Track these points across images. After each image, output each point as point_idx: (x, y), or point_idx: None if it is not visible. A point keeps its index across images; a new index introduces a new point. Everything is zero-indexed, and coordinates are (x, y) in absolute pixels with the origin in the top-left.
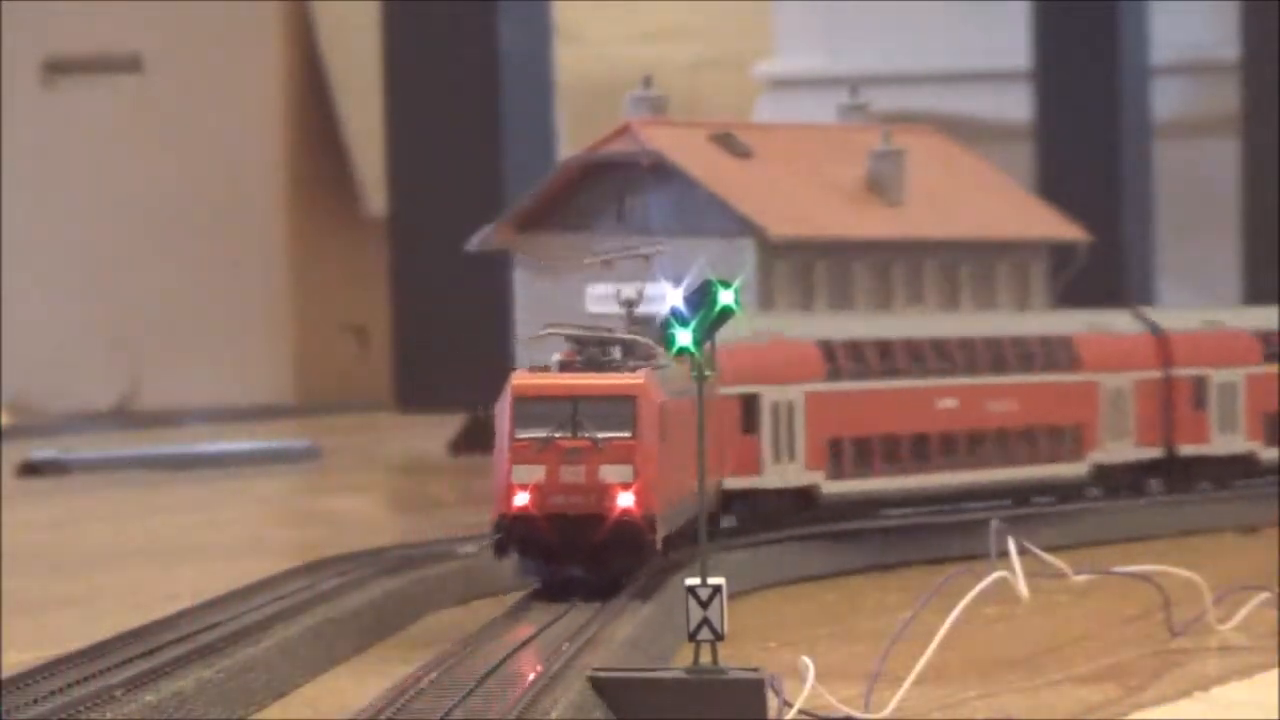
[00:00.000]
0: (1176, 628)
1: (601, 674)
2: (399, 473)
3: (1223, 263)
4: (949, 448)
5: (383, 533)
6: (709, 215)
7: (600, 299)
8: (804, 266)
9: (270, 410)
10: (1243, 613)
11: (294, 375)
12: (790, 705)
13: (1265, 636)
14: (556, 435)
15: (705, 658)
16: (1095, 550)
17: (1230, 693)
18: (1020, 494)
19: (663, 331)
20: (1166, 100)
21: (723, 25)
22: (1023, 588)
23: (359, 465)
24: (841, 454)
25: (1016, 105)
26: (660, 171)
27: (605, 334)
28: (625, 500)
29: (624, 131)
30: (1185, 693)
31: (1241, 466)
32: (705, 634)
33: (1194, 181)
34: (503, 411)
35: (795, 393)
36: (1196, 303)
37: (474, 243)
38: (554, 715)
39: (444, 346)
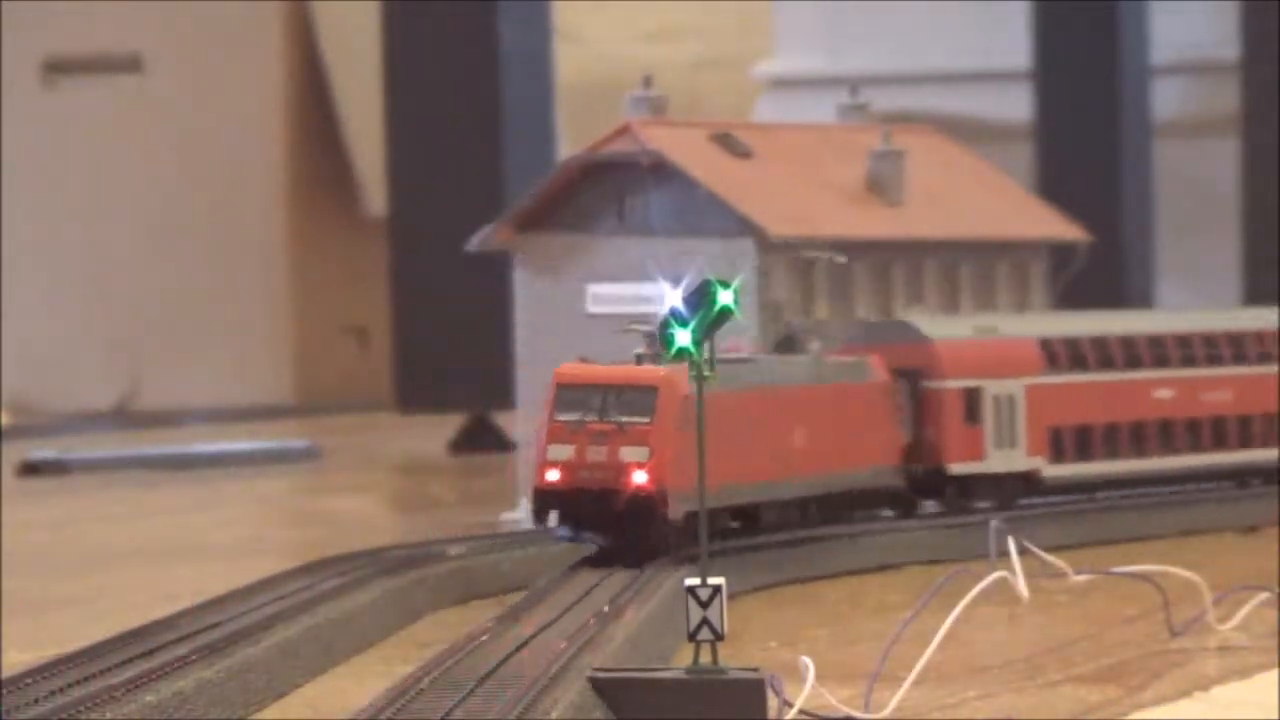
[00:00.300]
0: (1176, 628)
1: (601, 674)
2: (399, 473)
3: (1223, 263)
4: (1166, 435)
5: (383, 533)
6: (709, 215)
7: (601, 299)
8: (804, 266)
9: (270, 410)
10: (1243, 613)
11: (294, 375)
12: (790, 705)
13: (1265, 636)
14: (587, 419)
15: (705, 658)
16: (1095, 550)
17: (1230, 693)
18: (1228, 477)
19: (662, 332)
20: (1166, 100)
21: (723, 25)
22: (1023, 588)
23: (359, 465)
24: (1062, 441)
25: (1016, 105)
26: (660, 171)
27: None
28: (639, 478)
29: (624, 131)
30: (1185, 693)
31: None
32: (705, 634)
33: (1194, 181)
34: (546, 397)
35: (1015, 386)
36: (1196, 303)
37: (474, 243)
38: (554, 715)
39: (444, 346)
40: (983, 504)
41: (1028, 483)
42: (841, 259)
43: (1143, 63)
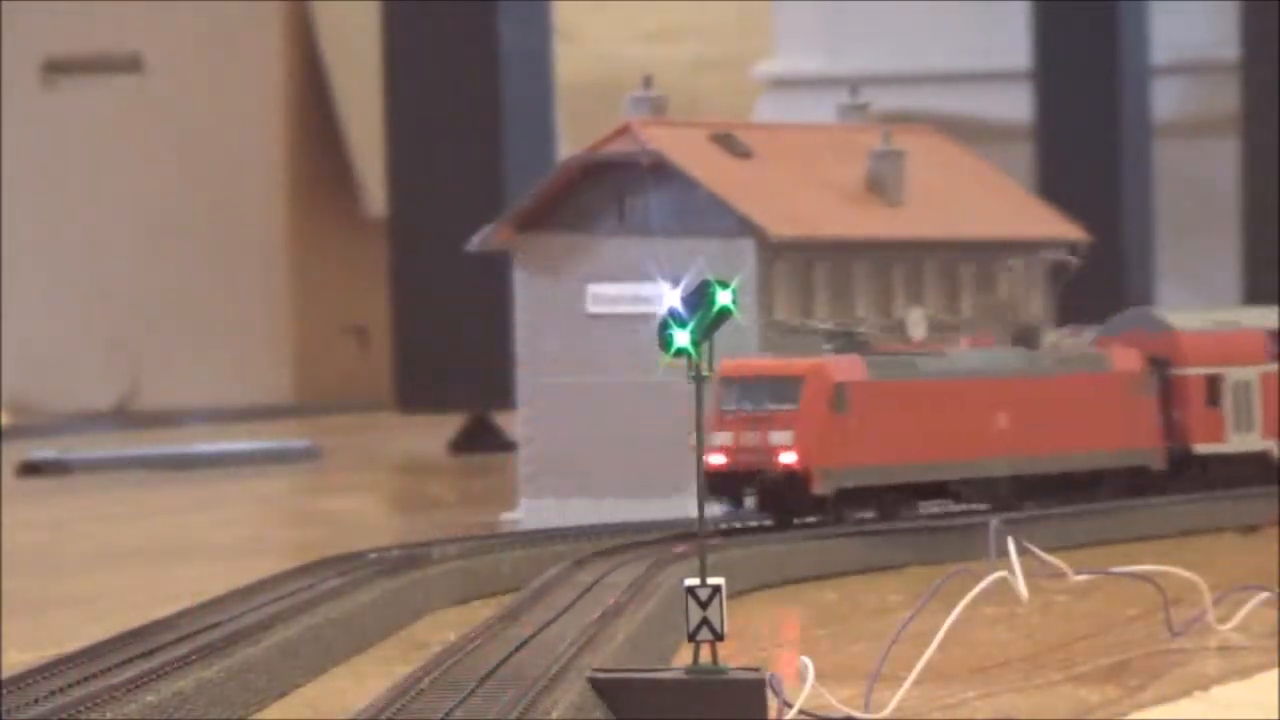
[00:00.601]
0: (1176, 628)
1: (601, 674)
2: (399, 473)
3: (1223, 263)
4: None
5: (383, 533)
6: (709, 215)
7: (601, 299)
8: (804, 266)
9: (270, 410)
10: (1243, 613)
11: (294, 375)
12: (790, 705)
13: (1265, 636)
14: (744, 408)
15: (705, 658)
16: (1095, 550)
17: (1230, 693)
18: None
19: (660, 332)
20: (1166, 100)
21: (723, 25)
22: (1022, 588)
23: (359, 465)
24: None
25: (1016, 105)
26: (660, 171)
27: (843, 329)
28: (788, 458)
29: (624, 131)
30: (1185, 693)
31: None
32: (705, 634)
33: (1194, 181)
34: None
35: (1251, 373)
36: (1196, 303)
37: (474, 243)
38: (554, 715)
39: (444, 346)
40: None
41: (1262, 464)
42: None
43: (1143, 63)
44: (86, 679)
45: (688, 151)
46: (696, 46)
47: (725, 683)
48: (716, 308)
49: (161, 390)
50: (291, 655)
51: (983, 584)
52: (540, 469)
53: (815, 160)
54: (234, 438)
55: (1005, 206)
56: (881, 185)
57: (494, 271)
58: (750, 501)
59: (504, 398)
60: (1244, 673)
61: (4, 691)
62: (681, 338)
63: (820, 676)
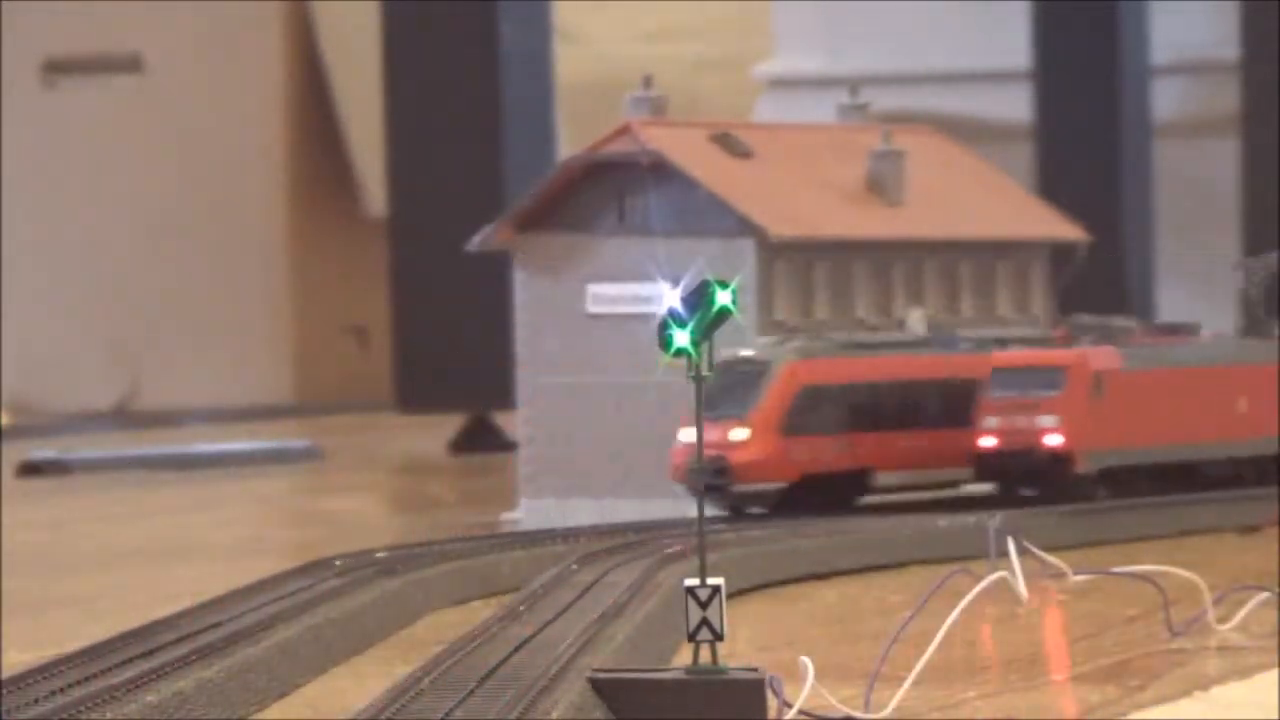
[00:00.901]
0: (1176, 628)
1: (601, 674)
2: (399, 473)
3: (1223, 263)
4: None
5: (382, 533)
6: (709, 215)
7: (601, 299)
8: (804, 266)
9: (270, 410)
10: (1243, 613)
11: (294, 375)
12: (790, 705)
13: (1265, 636)
14: (1013, 394)
15: (705, 658)
16: (1095, 550)
17: (1230, 693)
18: None
19: (660, 332)
20: (1166, 100)
21: (723, 25)
22: (1022, 588)
23: (359, 465)
24: None
25: (1016, 105)
26: (660, 171)
27: (1101, 321)
28: (1052, 440)
29: (624, 131)
30: (1185, 693)
31: None
32: (705, 634)
33: (1194, 181)
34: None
35: None
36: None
37: (474, 243)
38: (554, 715)
39: (444, 346)
40: None
41: None
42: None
43: (1143, 63)
44: (86, 679)
45: (688, 151)
46: (696, 46)
47: (725, 683)
48: (716, 308)
49: (161, 390)
50: (291, 655)
51: (983, 584)
52: (540, 469)
53: (815, 160)
54: (234, 438)
55: (1005, 206)
56: (881, 185)
57: (494, 271)
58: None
59: (504, 398)
60: (1244, 673)
61: (4, 691)
62: (681, 338)
63: (820, 676)
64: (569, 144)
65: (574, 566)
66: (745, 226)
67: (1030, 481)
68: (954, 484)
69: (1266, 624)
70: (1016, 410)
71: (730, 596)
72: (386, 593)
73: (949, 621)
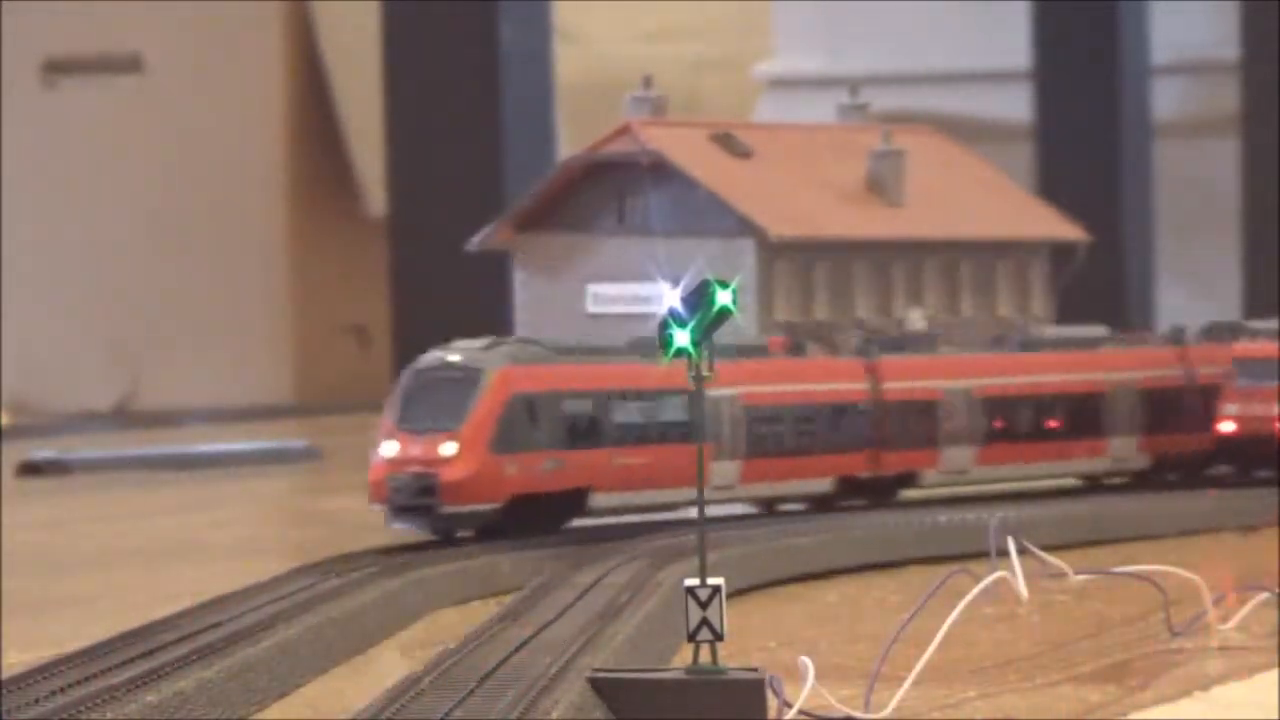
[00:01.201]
0: (1176, 628)
1: (601, 674)
2: None
3: (1223, 263)
4: None
5: (382, 533)
6: (709, 215)
7: (601, 299)
8: (804, 266)
9: (270, 410)
10: (1243, 613)
11: (294, 375)
12: (790, 705)
13: (1265, 636)
14: (1254, 383)
15: (705, 658)
16: (1095, 550)
17: (1230, 693)
18: None
19: (660, 332)
20: (1166, 100)
21: (723, 25)
22: (1022, 588)
23: (359, 465)
24: None
25: (1016, 105)
26: (660, 171)
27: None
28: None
29: (624, 131)
30: (1185, 693)
31: None
32: (705, 634)
33: (1194, 181)
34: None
35: None
36: (1196, 303)
37: (474, 243)
38: (554, 715)
39: None
40: None
41: None
42: None
43: (1143, 63)
44: (86, 679)
45: (688, 151)
46: (696, 46)
47: (725, 683)
48: (716, 308)
49: (161, 390)
50: (291, 655)
51: (983, 584)
52: None
53: (815, 160)
54: (234, 438)
55: (1005, 206)
56: (881, 185)
57: (494, 271)
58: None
59: None
60: (1244, 673)
61: (4, 691)
62: (681, 338)
63: (820, 676)
64: (569, 144)
65: (573, 567)
66: (745, 226)
67: (1265, 464)
68: (682, 505)
69: (1266, 624)
70: (1257, 399)
71: (730, 596)
72: (386, 593)
73: (949, 621)
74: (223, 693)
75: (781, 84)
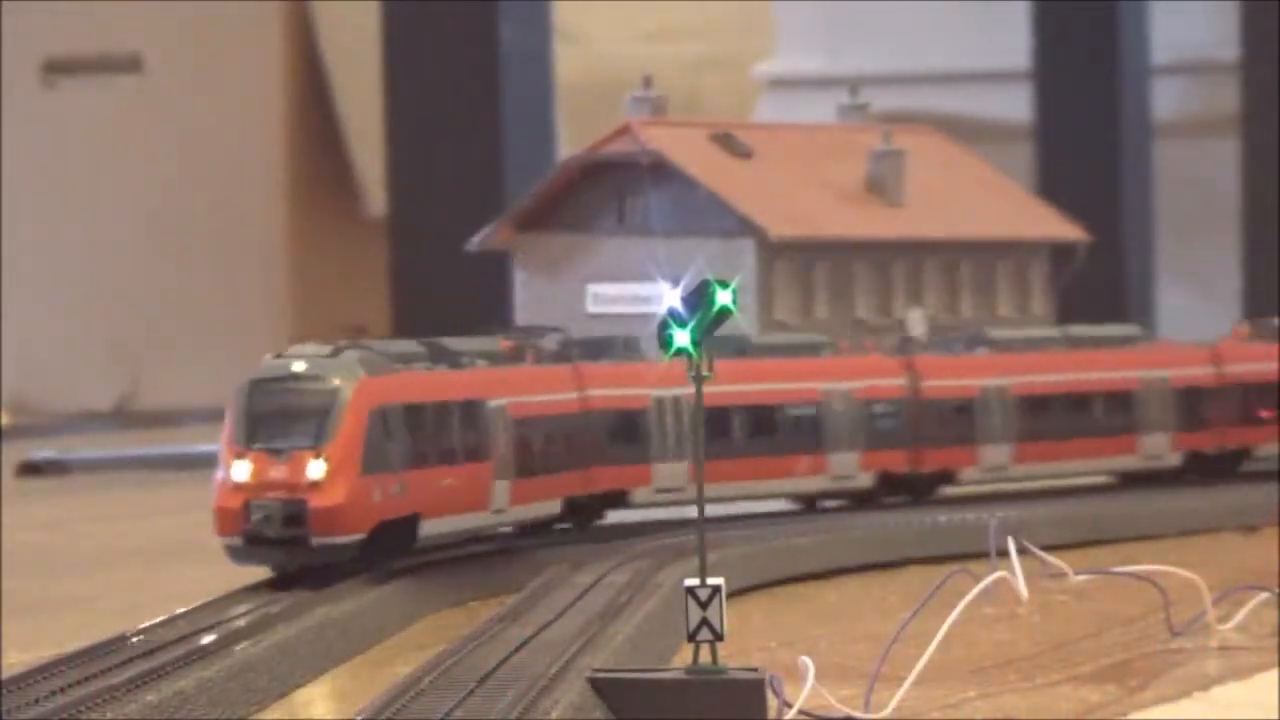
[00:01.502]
0: (1176, 628)
1: (601, 674)
2: None
3: (1223, 263)
4: None
5: None
6: (709, 215)
7: (601, 299)
8: (804, 266)
9: None
10: (1243, 613)
11: None
12: (790, 705)
13: (1265, 636)
14: None
15: (705, 658)
16: (1095, 550)
17: (1230, 693)
18: None
19: (660, 332)
20: (1166, 100)
21: (723, 25)
22: (1022, 588)
23: None
24: None
25: (1016, 105)
26: (660, 171)
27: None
28: None
29: (624, 131)
30: (1185, 693)
31: None
32: (705, 634)
33: (1194, 181)
34: None
35: None
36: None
37: (474, 243)
38: (554, 715)
39: None
40: None
41: None
42: None
43: (1143, 63)
44: (87, 679)
45: (688, 151)
46: (696, 46)
47: (725, 683)
48: (716, 307)
49: (161, 390)
50: (291, 655)
51: (983, 584)
52: None
53: (815, 160)
54: None
55: (1005, 206)
56: (881, 185)
57: (494, 271)
58: None
59: None
60: (1244, 673)
61: (4, 691)
62: (681, 338)
63: (820, 676)
64: (569, 144)
65: (573, 567)
66: (745, 226)
67: None
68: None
69: (1266, 624)
70: None
71: (730, 596)
72: (386, 593)
73: (949, 621)
74: (223, 692)
75: (781, 84)
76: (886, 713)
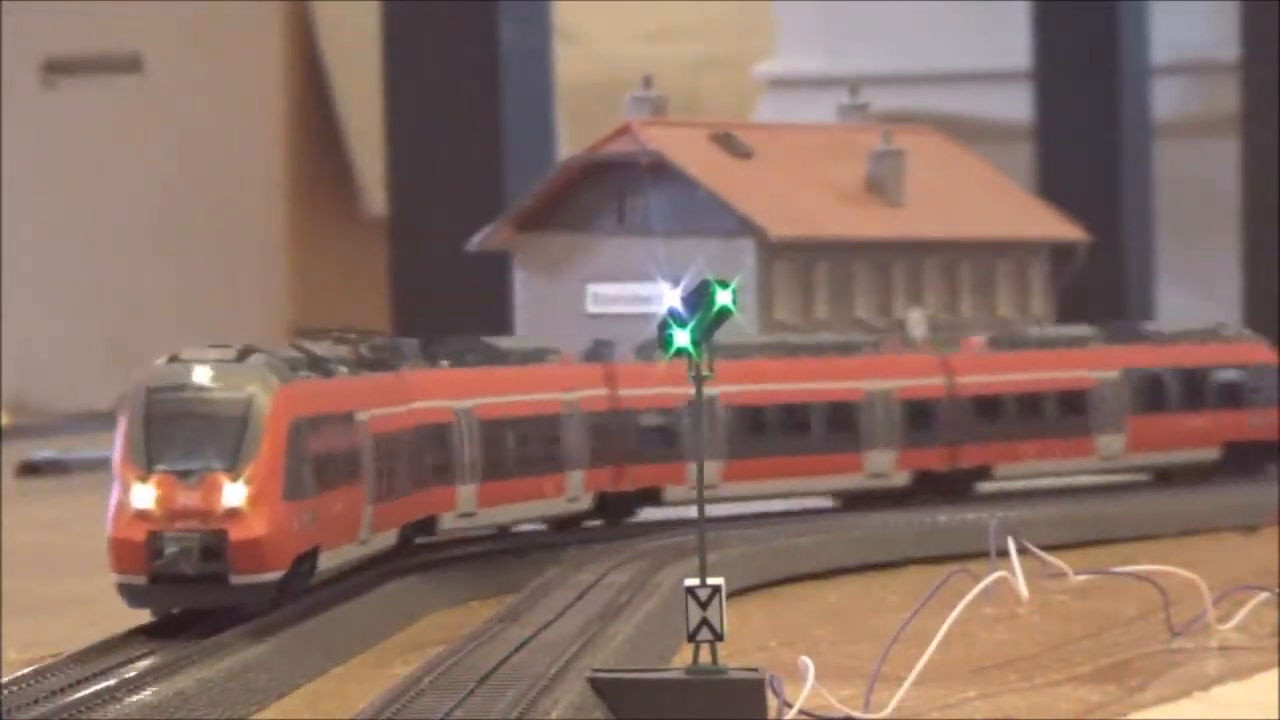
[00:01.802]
0: (1176, 628)
1: (601, 674)
2: None
3: (1223, 263)
4: None
5: None
6: (709, 215)
7: (601, 299)
8: (804, 266)
9: None
10: (1243, 613)
11: None
12: (790, 705)
13: (1265, 636)
14: None
15: (705, 658)
16: (1095, 550)
17: (1230, 693)
18: None
19: (660, 332)
20: (1166, 100)
21: (723, 25)
22: (1022, 588)
23: None
24: None
25: (1016, 105)
26: (660, 171)
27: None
28: None
29: (624, 131)
30: (1185, 693)
31: None
32: (705, 634)
33: (1194, 181)
34: None
35: None
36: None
37: (474, 243)
38: (554, 715)
39: None
40: None
41: None
42: None
43: (1143, 63)
44: (87, 679)
45: (688, 151)
46: (696, 46)
47: (725, 683)
48: (716, 308)
49: None
50: (291, 655)
51: (983, 584)
52: None
53: (815, 160)
54: None
55: (1005, 206)
56: (881, 185)
57: (494, 271)
58: None
59: None
60: (1244, 673)
61: (4, 691)
62: (681, 338)
63: (820, 676)
64: (569, 144)
65: (573, 567)
66: (745, 226)
67: None
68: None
69: (1266, 624)
70: None
71: (731, 596)
72: (386, 593)
73: (949, 621)
74: (223, 692)
75: (781, 84)
76: (886, 713)
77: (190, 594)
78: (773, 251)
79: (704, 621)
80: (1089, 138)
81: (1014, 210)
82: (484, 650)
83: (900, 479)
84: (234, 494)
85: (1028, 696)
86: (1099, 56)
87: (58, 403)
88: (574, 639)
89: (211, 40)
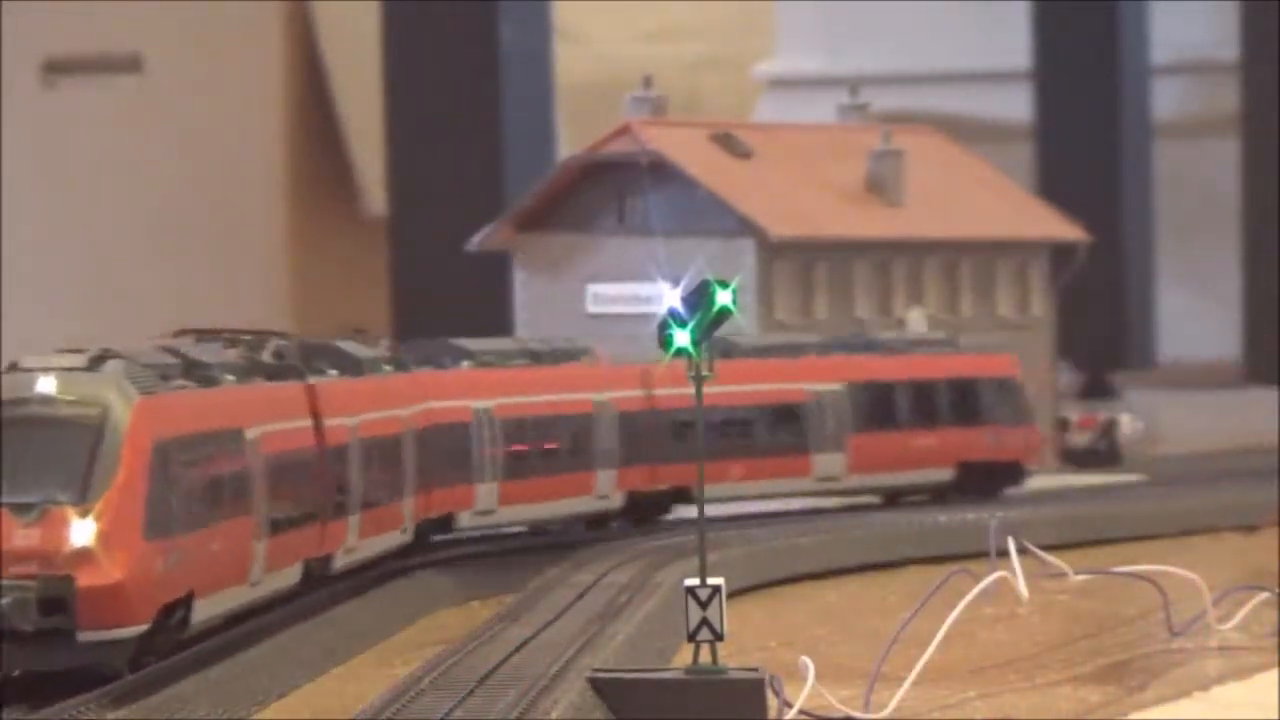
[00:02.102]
0: (1176, 628)
1: (601, 674)
2: None
3: (1223, 263)
4: None
5: None
6: (709, 215)
7: (601, 299)
8: (804, 266)
9: None
10: (1243, 613)
11: None
12: (790, 705)
13: (1265, 636)
14: None
15: (705, 658)
16: (1095, 550)
17: (1230, 693)
18: None
19: (660, 332)
20: (1166, 100)
21: (723, 25)
22: (1023, 588)
23: None
24: None
25: (1016, 105)
26: (660, 171)
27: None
28: None
29: (624, 131)
30: (1185, 693)
31: None
32: (705, 634)
33: (1194, 181)
34: None
35: None
36: (1195, 303)
37: (474, 243)
38: (554, 715)
39: None
40: None
41: None
42: None
43: (1143, 63)
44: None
45: (688, 151)
46: (696, 46)
47: (725, 683)
48: (716, 308)
49: None
50: (291, 655)
51: (983, 584)
52: None
53: (815, 160)
54: None
55: (1005, 206)
56: (881, 185)
57: (494, 271)
58: None
59: None
60: (1244, 673)
61: (4, 692)
62: (681, 338)
63: (820, 676)
64: (569, 144)
65: (573, 567)
66: (745, 226)
67: None
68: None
69: (1266, 624)
70: None
71: (731, 596)
72: (386, 593)
73: (949, 621)
74: (223, 692)
75: (781, 84)
76: (886, 713)
77: (29, 654)
78: (773, 251)
79: (704, 621)
80: (1089, 138)
81: (1014, 210)
82: (484, 650)
83: (618, 500)
84: (82, 532)
85: (1028, 696)
86: (1099, 56)
87: None
88: (574, 639)
89: (211, 40)
